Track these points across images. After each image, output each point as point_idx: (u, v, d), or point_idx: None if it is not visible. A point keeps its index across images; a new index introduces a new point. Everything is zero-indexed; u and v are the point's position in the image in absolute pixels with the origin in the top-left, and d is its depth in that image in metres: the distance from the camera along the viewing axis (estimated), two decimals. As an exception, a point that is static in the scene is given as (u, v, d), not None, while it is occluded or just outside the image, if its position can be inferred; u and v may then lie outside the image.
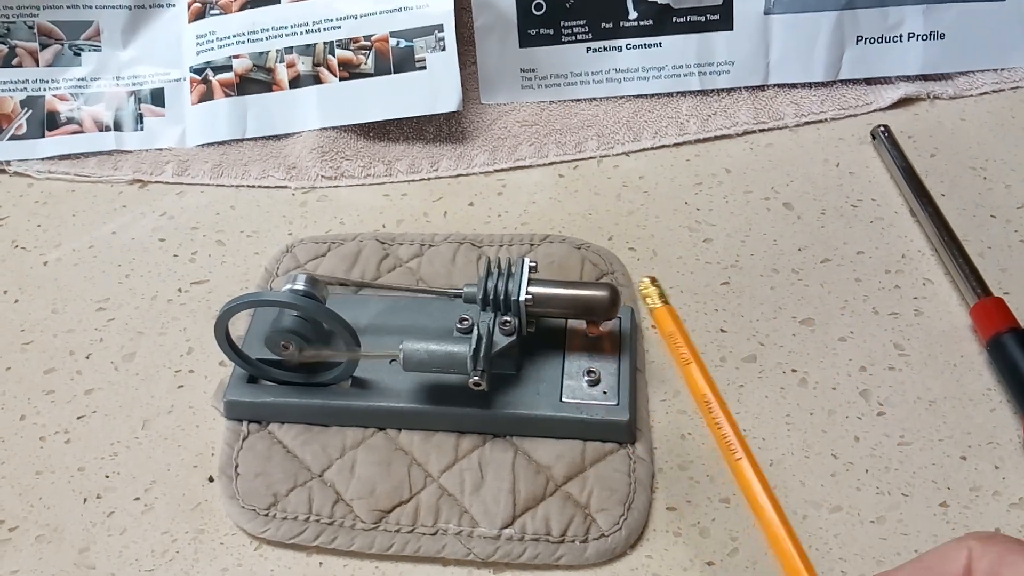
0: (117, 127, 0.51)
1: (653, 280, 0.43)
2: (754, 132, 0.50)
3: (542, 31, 0.51)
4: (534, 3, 0.50)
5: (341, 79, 0.49)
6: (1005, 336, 0.38)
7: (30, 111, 0.51)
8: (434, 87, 0.48)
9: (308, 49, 0.50)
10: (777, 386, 0.39)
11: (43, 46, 0.51)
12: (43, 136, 0.50)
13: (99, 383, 0.40)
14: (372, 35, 0.49)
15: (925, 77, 0.52)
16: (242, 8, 0.51)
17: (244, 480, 0.36)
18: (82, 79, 0.52)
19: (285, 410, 0.37)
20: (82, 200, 0.49)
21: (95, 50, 0.52)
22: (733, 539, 0.34)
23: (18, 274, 0.45)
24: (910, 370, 0.39)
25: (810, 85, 0.52)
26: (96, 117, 0.51)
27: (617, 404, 0.36)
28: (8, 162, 0.50)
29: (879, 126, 0.49)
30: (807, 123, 0.51)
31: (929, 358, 0.39)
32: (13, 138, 0.50)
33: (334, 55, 0.49)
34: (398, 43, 0.49)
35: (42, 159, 0.50)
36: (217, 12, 0.51)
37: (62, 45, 0.52)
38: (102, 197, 0.49)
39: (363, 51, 0.49)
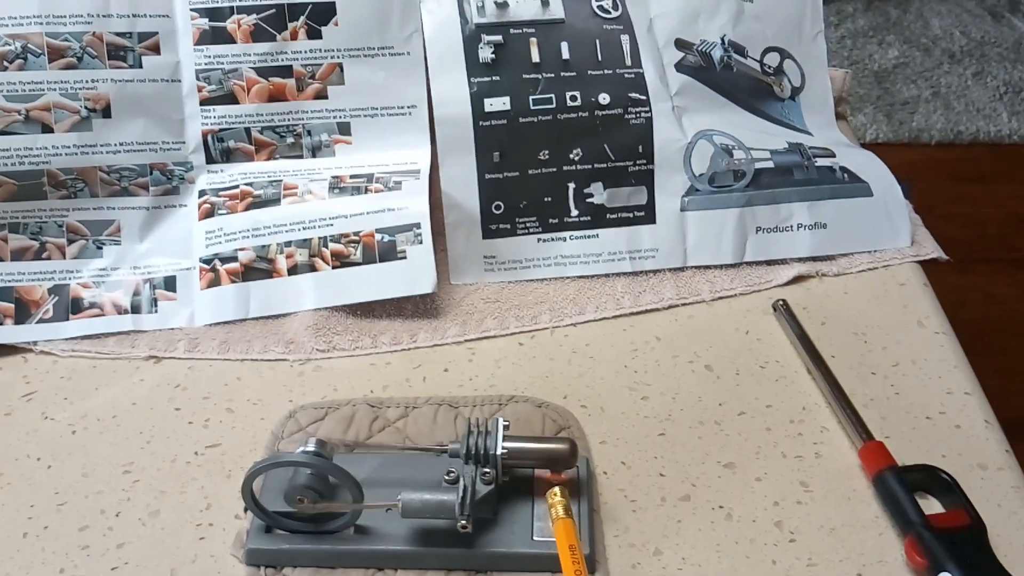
0: (134, 310, 0.58)
1: (563, 490, 0.44)
2: (677, 306, 0.61)
3: (501, 226, 0.62)
4: (494, 204, 0.61)
5: (333, 267, 0.58)
6: (886, 473, 0.47)
7: (56, 297, 0.58)
8: (413, 273, 0.58)
9: (305, 243, 0.59)
10: (708, 520, 0.47)
11: (70, 241, 0.59)
12: (68, 319, 0.58)
13: (129, 538, 0.46)
14: (360, 231, 0.59)
15: (813, 259, 0.63)
16: (247, 208, 0.60)
17: (264, 618, 0.42)
18: (103, 269, 0.59)
19: (298, 555, 0.44)
20: (103, 375, 0.55)
21: (115, 244, 0.60)
22: (679, 651, 0.41)
23: (50, 443, 0.51)
24: (814, 503, 0.48)
25: (721, 266, 0.63)
26: (116, 302, 0.58)
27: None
28: (35, 342, 0.57)
29: (778, 300, 0.60)
30: (720, 298, 0.61)
31: (828, 492, 0.48)
32: (41, 321, 0.57)
33: (327, 248, 0.59)
34: (383, 238, 0.58)
35: (66, 339, 0.57)
36: (224, 212, 0.60)
37: (87, 240, 0.60)
38: (121, 372, 0.56)
39: (352, 244, 0.58)
